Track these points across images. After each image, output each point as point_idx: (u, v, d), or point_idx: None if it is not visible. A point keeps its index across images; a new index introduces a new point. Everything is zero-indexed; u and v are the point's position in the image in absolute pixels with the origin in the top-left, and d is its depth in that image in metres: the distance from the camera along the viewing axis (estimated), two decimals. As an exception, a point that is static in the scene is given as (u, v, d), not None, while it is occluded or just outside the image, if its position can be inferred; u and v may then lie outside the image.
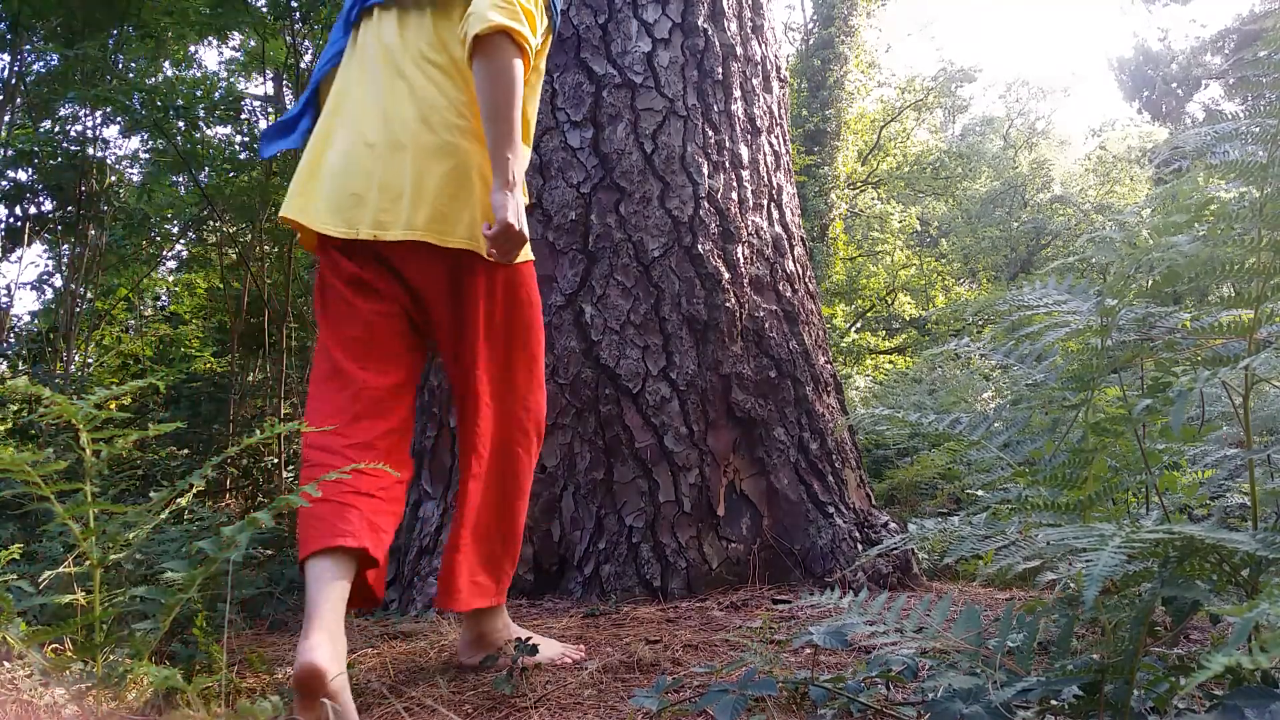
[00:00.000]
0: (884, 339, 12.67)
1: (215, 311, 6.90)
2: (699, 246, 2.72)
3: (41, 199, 5.48)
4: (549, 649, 1.85)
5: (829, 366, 3.00)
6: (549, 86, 2.79)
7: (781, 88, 3.22)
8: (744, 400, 2.67)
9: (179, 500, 1.68)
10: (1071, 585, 1.42)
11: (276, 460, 5.03)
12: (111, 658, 1.41)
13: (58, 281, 5.93)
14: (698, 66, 2.86)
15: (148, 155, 6.46)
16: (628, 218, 2.71)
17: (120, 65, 5.70)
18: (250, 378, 5.93)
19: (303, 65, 5.63)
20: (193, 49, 7.06)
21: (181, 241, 7.05)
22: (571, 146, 2.75)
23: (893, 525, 2.83)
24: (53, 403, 1.35)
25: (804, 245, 3.13)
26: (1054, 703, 1.14)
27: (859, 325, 11.91)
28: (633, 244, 2.70)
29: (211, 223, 6.30)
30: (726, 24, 2.95)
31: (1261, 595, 0.85)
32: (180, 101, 5.00)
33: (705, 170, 2.79)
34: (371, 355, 1.68)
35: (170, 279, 7.98)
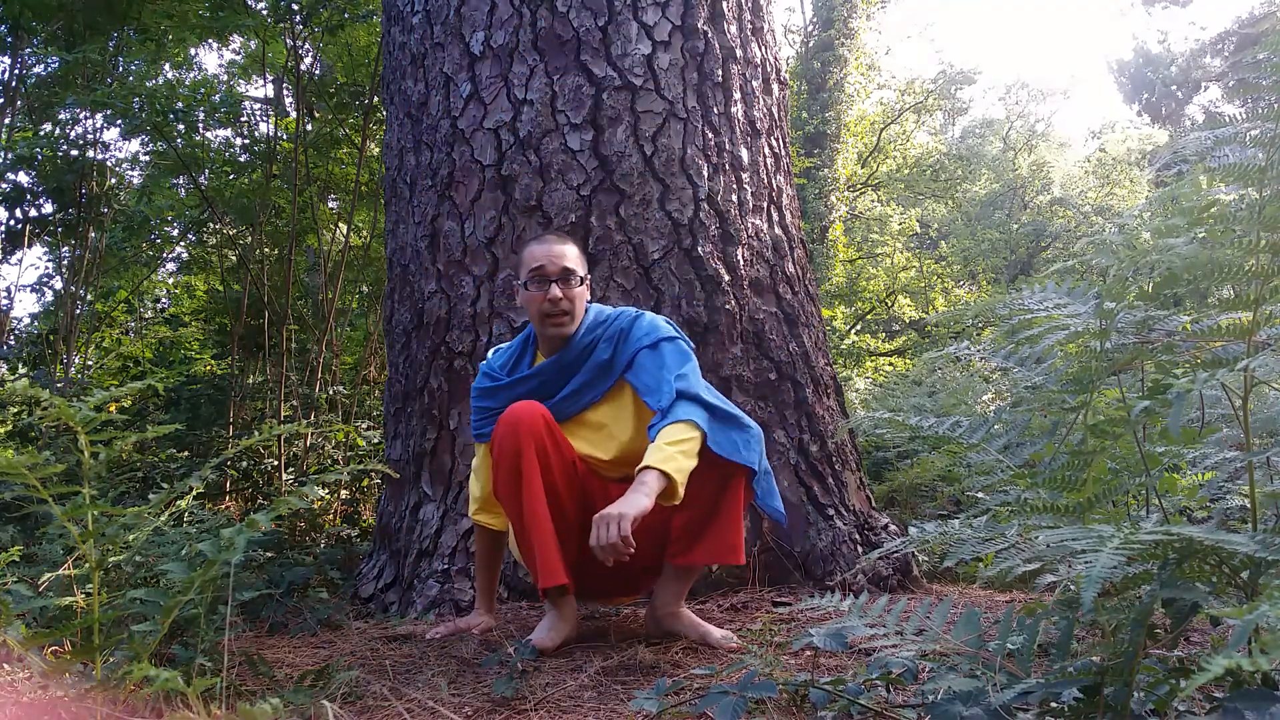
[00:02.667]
0: (884, 341, 12.68)
1: (215, 314, 6.90)
2: (699, 249, 2.72)
3: (42, 201, 5.49)
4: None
5: (829, 369, 3.00)
6: (549, 89, 2.78)
7: (781, 90, 3.22)
8: (744, 402, 2.67)
9: (178, 502, 1.68)
10: (1071, 587, 1.42)
11: (276, 463, 5.02)
12: (111, 660, 1.41)
13: (58, 284, 5.94)
14: (698, 69, 2.86)
15: (148, 158, 6.47)
16: (628, 220, 2.71)
17: (120, 68, 5.70)
18: (250, 380, 5.93)
19: (303, 68, 5.63)
20: (193, 52, 7.06)
21: (181, 244, 7.05)
22: (571, 149, 2.75)
23: (893, 528, 2.82)
24: (52, 405, 1.35)
25: (804, 247, 3.13)
26: (1054, 705, 1.14)
27: (859, 327, 11.91)
28: (633, 246, 2.70)
29: (211, 225, 6.30)
30: (726, 26, 2.96)
31: (1261, 597, 0.85)
32: (180, 104, 5.00)
33: (705, 172, 2.80)
34: None
35: (170, 281, 7.99)
